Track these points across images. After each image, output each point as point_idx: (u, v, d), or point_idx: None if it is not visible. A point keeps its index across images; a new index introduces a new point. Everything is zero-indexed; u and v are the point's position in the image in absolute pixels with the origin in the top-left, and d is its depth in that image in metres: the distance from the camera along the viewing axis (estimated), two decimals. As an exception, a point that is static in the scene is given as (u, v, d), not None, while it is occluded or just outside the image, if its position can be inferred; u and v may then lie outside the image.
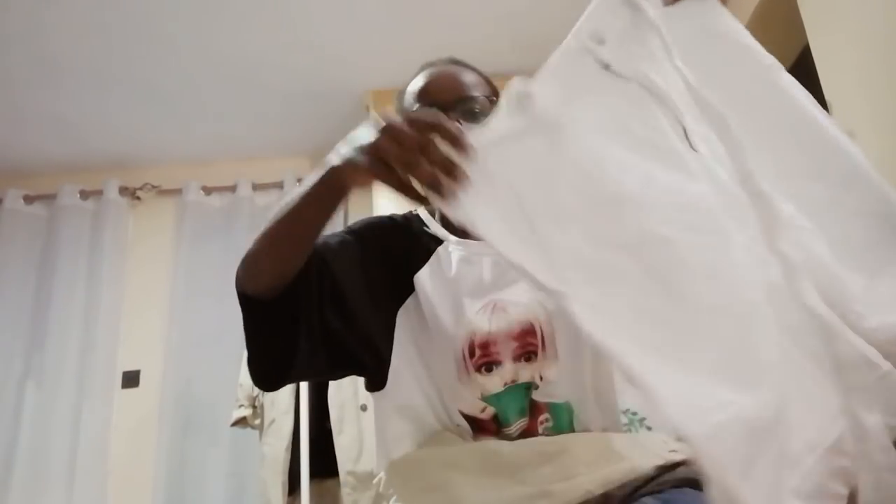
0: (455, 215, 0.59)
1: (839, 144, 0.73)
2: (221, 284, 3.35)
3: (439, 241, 1.01)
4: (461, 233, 1.00)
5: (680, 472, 0.84)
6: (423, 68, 1.10)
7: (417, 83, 1.06)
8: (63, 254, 3.39)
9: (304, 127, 3.43)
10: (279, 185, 3.56)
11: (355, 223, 1.03)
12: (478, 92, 1.03)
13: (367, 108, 3.11)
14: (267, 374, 0.90)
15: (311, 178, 0.74)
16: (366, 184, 0.67)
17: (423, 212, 1.07)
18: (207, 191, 3.59)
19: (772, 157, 0.68)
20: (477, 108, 0.99)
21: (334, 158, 0.69)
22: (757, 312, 0.59)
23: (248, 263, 0.84)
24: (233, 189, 3.59)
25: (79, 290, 3.35)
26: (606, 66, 0.66)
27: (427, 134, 0.60)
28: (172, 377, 3.24)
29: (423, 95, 1.02)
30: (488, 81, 1.10)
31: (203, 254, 3.44)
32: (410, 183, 0.61)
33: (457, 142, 0.60)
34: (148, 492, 3.08)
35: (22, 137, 3.29)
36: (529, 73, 0.71)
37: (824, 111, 0.76)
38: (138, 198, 3.59)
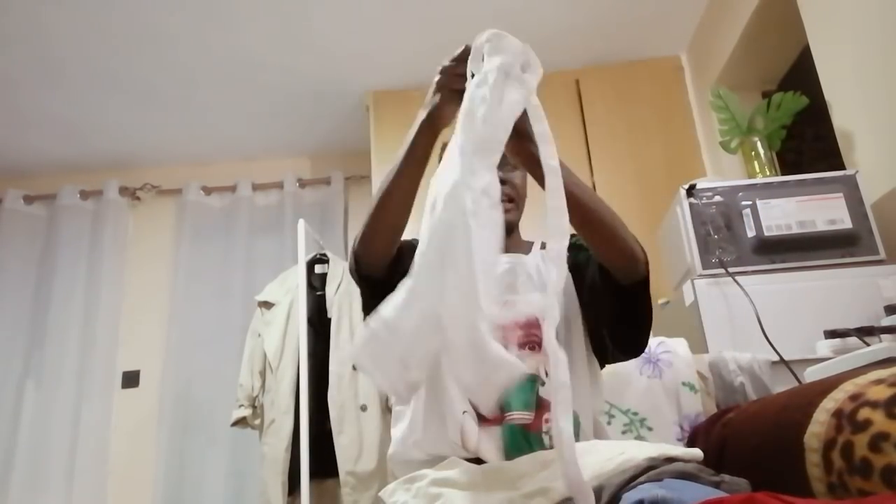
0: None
1: None
2: (221, 284, 3.35)
3: None
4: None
5: (676, 466, 0.84)
6: None
7: None
8: (63, 254, 3.40)
9: (304, 127, 3.44)
10: (279, 185, 3.56)
11: None
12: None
13: (367, 108, 3.11)
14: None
15: (409, 134, 1.01)
16: (448, 104, 0.97)
17: None
18: (207, 191, 3.59)
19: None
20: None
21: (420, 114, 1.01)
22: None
23: (365, 233, 1.06)
24: (233, 189, 3.59)
25: (79, 290, 3.35)
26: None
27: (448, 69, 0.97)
28: (172, 377, 3.24)
29: None
30: None
31: (203, 254, 3.44)
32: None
33: (459, 63, 0.94)
34: (148, 492, 3.08)
35: (22, 137, 3.30)
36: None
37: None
38: (138, 198, 3.60)
